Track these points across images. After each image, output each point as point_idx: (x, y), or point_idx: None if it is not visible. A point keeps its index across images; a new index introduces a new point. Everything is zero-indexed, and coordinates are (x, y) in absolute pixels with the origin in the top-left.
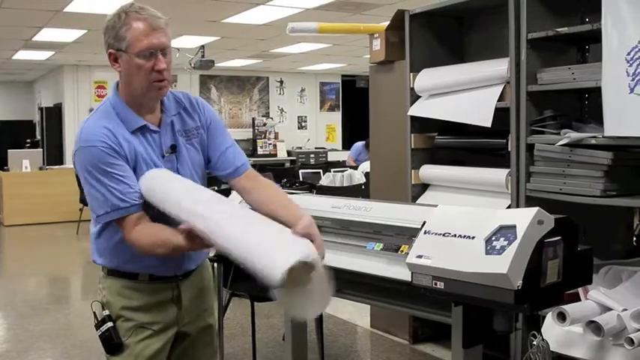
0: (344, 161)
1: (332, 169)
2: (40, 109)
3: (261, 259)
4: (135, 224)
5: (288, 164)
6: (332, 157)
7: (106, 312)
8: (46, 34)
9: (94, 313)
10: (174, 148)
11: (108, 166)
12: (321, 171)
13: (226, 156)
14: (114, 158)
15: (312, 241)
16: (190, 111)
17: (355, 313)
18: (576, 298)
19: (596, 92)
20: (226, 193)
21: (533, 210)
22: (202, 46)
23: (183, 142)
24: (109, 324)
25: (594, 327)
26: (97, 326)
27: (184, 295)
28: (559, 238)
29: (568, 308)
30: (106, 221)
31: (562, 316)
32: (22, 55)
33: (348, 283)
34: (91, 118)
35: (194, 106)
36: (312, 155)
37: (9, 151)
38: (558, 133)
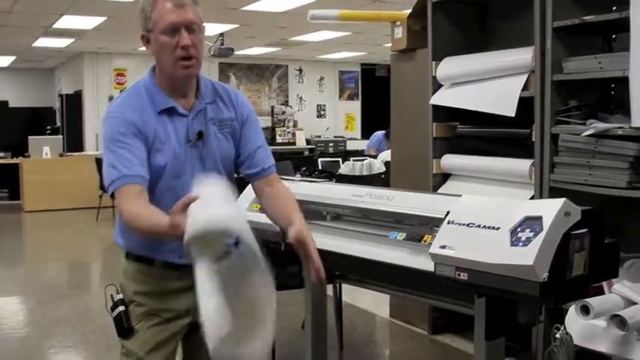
0: (362, 150)
1: (351, 158)
2: (60, 96)
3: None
4: (135, 196)
5: (306, 153)
6: (351, 145)
7: (120, 295)
8: (66, 22)
9: (110, 295)
10: (201, 135)
11: (121, 136)
12: (340, 159)
13: (255, 157)
14: (129, 131)
15: (305, 250)
16: (227, 102)
17: (374, 302)
18: (600, 292)
19: (622, 82)
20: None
21: (560, 201)
22: (222, 34)
23: (215, 131)
24: (121, 308)
25: (618, 321)
26: (112, 309)
27: None
28: (586, 230)
29: (592, 301)
30: (112, 191)
31: (585, 310)
32: (43, 42)
33: (370, 273)
34: (122, 95)
35: (232, 99)
36: (330, 144)
37: (29, 137)
38: (584, 124)
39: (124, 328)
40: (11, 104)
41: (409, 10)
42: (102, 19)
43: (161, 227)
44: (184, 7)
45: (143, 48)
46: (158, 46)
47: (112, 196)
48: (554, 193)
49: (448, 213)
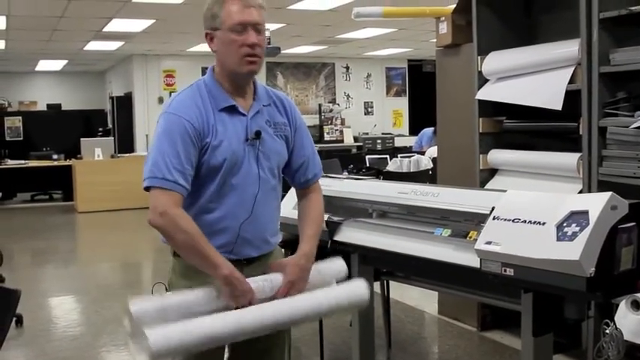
0: (411, 147)
1: (399, 155)
2: (111, 98)
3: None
4: (178, 204)
5: (354, 150)
6: (399, 142)
7: (169, 293)
8: (116, 25)
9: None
10: (258, 134)
11: (179, 138)
12: (387, 156)
13: (309, 165)
14: (189, 138)
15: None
16: (280, 107)
17: (423, 299)
18: None
19: None
20: None
21: (607, 195)
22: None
23: (271, 133)
24: None
25: None
26: None
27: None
28: (634, 224)
29: None
30: (146, 186)
31: (636, 305)
32: (93, 45)
33: (416, 270)
34: (183, 92)
35: (285, 105)
36: (378, 141)
37: (82, 139)
38: (632, 116)
39: None
40: (64, 107)
41: (453, 5)
42: (150, 21)
43: (216, 266)
44: (252, 8)
45: (192, 49)
46: (225, 43)
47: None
48: (603, 186)
49: (493, 209)
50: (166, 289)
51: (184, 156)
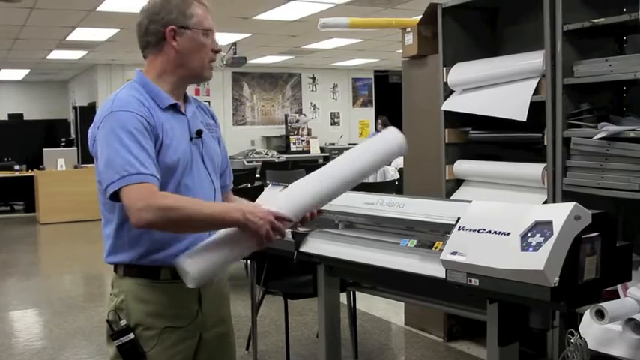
0: None
1: None
2: (75, 108)
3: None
4: (155, 192)
5: (321, 161)
6: None
7: (124, 321)
8: (80, 34)
9: (108, 322)
10: (199, 133)
11: (137, 133)
12: None
13: (225, 174)
14: (144, 128)
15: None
16: (206, 111)
17: (389, 310)
18: (615, 296)
19: (634, 84)
20: None
21: (570, 205)
22: (234, 43)
23: (208, 134)
24: (131, 335)
25: (634, 325)
26: (114, 337)
27: (205, 296)
28: (597, 233)
29: (606, 305)
30: (118, 188)
31: (600, 314)
32: (56, 55)
33: (382, 280)
34: (122, 91)
35: (210, 110)
36: (345, 151)
37: (44, 150)
38: (595, 127)
39: (133, 356)
40: (26, 117)
41: (419, 17)
42: (114, 30)
43: (227, 220)
44: (209, 14)
45: None
46: (195, 44)
47: (114, 196)
48: (567, 197)
49: (459, 219)
50: (119, 317)
51: (148, 147)
